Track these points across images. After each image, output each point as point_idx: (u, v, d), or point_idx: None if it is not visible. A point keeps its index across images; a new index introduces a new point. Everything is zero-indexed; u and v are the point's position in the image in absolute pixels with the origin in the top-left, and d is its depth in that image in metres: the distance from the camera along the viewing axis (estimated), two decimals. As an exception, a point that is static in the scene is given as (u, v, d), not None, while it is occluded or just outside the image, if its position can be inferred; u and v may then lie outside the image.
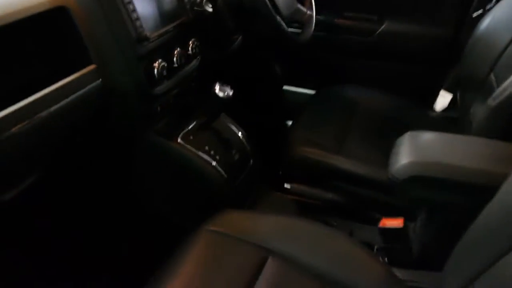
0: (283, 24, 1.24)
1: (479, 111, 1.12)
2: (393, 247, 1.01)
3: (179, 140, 1.15)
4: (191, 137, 1.17)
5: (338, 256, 0.92)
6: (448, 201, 0.90)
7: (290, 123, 1.85)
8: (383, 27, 1.66)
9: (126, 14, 0.94)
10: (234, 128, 1.30)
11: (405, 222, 0.98)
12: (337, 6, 1.70)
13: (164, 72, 1.04)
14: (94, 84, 0.92)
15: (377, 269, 0.90)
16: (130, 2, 0.95)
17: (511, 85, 0.91)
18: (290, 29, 1.31)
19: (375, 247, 1.09)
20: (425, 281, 0.96)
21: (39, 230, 1.25)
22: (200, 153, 1.16)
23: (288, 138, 1.35)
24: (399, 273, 0.94)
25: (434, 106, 1.62)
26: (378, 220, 1.06)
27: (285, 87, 1.91)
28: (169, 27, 1.07)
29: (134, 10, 0.96)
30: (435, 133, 1.01)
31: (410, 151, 0.92)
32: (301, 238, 0.95)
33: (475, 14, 1.40)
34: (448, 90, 1.59)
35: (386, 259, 1.04)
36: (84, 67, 0.90)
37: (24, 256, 1.24)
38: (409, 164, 0.89)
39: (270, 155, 1.38)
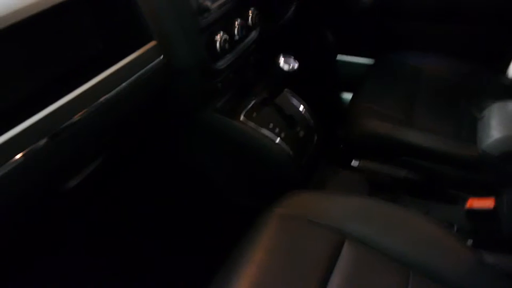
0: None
1: None
2: (481, 229, 0.93)
3: (241, 117, 1.09)
4: (254, 114, 1.11)
5: (420, 239, 0.86)
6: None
7: (345, 95, 1.77)
8: (449, -15, 1.52)
9: (185, -16, 0.88)
10: (297, 102, 1.23)
11: (496, 202, 0.89)
12: None
13: (226, 46, 0.98)
14: (156, 61, 0.86)
15: (465, 253, 0.84)
16: (190, -29, 0.88)
17: None
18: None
19: (455, 227, 1.01)
20: (518, 265, 0.88)
21: (102, 215, 1.24)
22: (264, 130, 1.10)
23: (351, 111, 1.27)
24: (488, 257, 0.86)
25: (508, 72, 1.49)
26: (458, 198, 0.98)
27: (339, 57, 1.81)
28: None
29: (194, -21, 0.89)
30: (529, 103, 0.91)
31: (503, 123, 0.83)
32: (378, 220, 0.89)
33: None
34: (525, 54, 1.46)
35: (471, 241, 0.96)
36: (145, 44, 0.84)
37: (93, 240, 1.24)
38: (504, 139, 0.80)
39: (330, 129, 1.31)
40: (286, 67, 1.04)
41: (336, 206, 0.92)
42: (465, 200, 0.94)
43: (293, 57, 1.07)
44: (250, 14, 1.09)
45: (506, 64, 1.49)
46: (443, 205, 1.11)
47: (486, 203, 0.89)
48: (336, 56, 1.77)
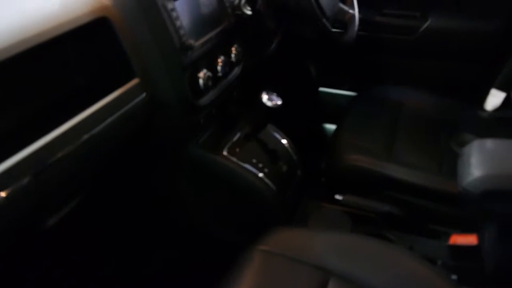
0: (328, 24, 1.17)
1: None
2: (464, 265, 0.93)
3: (224, 152, 1.09)
4: (237, 149, 1.11)
5: (406, 276, 0.85)
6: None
7: (327, 126, 1.79)
8: (427, 24, 1.56)
9: (169, 22, 0.88)
10: (279, 137, 1.23)
11: (479, 239, 0.90)
12: (377, 3, 1.62)
13: (209, 83, 0.98)
14: (139, 98, 0.86)
15: (449, 291, 0.83)
16: (174, 9, 0.89)
17: None
18: (334, 30, 1.24)
19: (439, 262, 1.01)
20: (501, 302, 0.88)
21: (81, 251, 1.21)
22: (247, 166, 1.09)
23: (333, 145, 1.27)
24: (471, 293, 0.87)
25: (484, 106, 1.53)
26: (441, 234, 0.98)
27: (321, 89, 1.83)
28: (212, 34, 1.01)
29: (178, 17, 0.90)
30: (507, 141, 0.92)
31: (483, 162, 0.84)
32: (362, 257, 0.88)
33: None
34: (500, 88, 1.49)
35: (455, 277, 0.95)
36: (128, 81, 0.84)
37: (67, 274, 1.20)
38: (484, 178, 0.81)
39: (314, 163, 1.31)
40: (269, 104, 1.05)
41: (319, 243, 0.91)
42: (448, 236, 0.94)
43: (275, 93, 1.08)
44: (234, 51, 1.10)
45: (484, 98, 1.53)
46: (427, 240, 1.11)
47: (469, 239, 0.90)
48: (318, 89, 1.80)
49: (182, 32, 0.90)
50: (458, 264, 0.93)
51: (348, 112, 1.43)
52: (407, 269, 0.87)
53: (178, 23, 0.90)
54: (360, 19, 1.54)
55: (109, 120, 0.80)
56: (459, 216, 1.02)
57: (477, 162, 0.84)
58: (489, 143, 0.92)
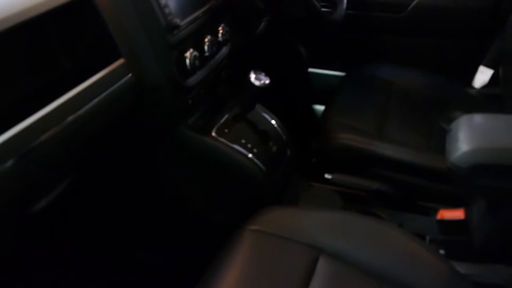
0: (316, 3, 1.16)
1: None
2: (452, 239, 0.94)
3: (213, 133, 1.08)
4: (226, 130, 1.10)
5: (394, 252, 0.87)
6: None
7: (317, 107, 1.78)
8: (416, 1, 1.55)
9: (154, 1, 0.87)
10: (268, 117, 1.23)
11: (466, 213, 0.91)
12: None
13: (197, 62, 0.97)
14: (124, 79, 0.85)
15: (438, 265, 0.84)
16: (158, -12, 0.88)
17: None
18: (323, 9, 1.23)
19: (427, 238, 1.02)
20: (489, 275, 0.90)
21: (71, 235, 1.21)
22: (236, 146, 1.09)
23: (324, 124, 1.27)
24: (460, 267, 0.88)
25: (473, 83, 1.53)
26: (429, 209, 0.99)
27: (311, 70, 1.82)
28: (198, 12, 1.00)
29: (163, -4, 0.88)
30: (494, 115, 0.92)
31: (471, 136, 0.84)
32: (352, 234, 0.90)
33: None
34: (488, 65, 1.50)
35: (443, 252, 0.97)
36: (113, 61, 0.83)
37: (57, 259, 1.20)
38: (472, 152, 0.81)
39: (304, 143, 1.31)
40: (257, 83, 1.04)
41: (310, 221, 0.92)
42: (436, 211, 0.95)
43: (264, 73, 1.07)
44: (221, 30, 1.08)
45: (473, 75, 1.53)
46: (416, 217, 1.13)
47: (456, 214, 0.91)
48: (308, 70, 1.79)
49: (167, 11, 0.89)
50: (446, 238, 0.94)
51: (338, 92, 1.43)
52: (396, 245, 0.88)
53: (163, 2, 0.88)
54: (349, -3, 1.54)
55: (95, 101, 0.79)
56: (447, 192, 1.03)
57: (465, 137, 0.85)
58: (477, 118, 0.92)
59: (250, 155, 1.09)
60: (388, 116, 1.30)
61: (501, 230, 0.91)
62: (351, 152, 1.18)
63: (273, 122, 1.22)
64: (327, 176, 1.21)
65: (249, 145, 1.10)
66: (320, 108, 1.75)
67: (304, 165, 1.30)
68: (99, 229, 1.23)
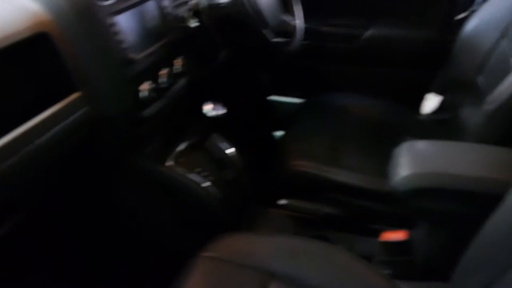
0: (271, 35, 1.22)
1: (472, 115, 1.12)
2: (396, 259, 0.99)
3: (169, 163, 1.11)
4: (182, 159, 1.14)
5: (342, 274, 0.91)
6: (452, 211, 0.89)
7: (278, 133, 1.84)
8: (369, 32, 1.65)
9: (110, 37, 0.90)
10: (225, 146, 1.27)
11: (408, 234, 0.96)
12: (323, 13, 1.69)
13: (153, 94, 1.01)
14: (80, 112, 0.88)
15: (383, 285, 0.88)
16: (114, 24, 0.91)
17: (508, 89, 0.90)
18: (277, 39, 1.29)
19: (375, 259, 1.07)
20: (431, 292, 0.95)
21: (26, 265, 1.20)
22: (192, 175, 1.12)
23: (280, 151, 1.32)
24: (403, 285, 0.92)
25: (422, 109, 1.62)
26: (379, 232, 1.04)
27: (272, 97, 1.89)
28: (155, 47, 1.04)
29: (119, 32, 0.92)
30: (434, 142, 1.00)
31: (411, 162, 0.91)
32: (302, 258, 0.93)
33: (459, 16, 1.40)
34: (436, 92, 1.59)
35: (389, 272, 1.01)
36: (69, 95, 0.86)
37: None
38: (411, 176, 0.88)
39: (261, 170, 1.35)
40: (212, 113, 1.08)
41: (262, 246, 0.95)
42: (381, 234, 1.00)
43: (221, 103, 1.11)
44: (179, 63, 1.13)
45: (421, 103, 1.63)
46: (365, 239, 1.18)
47: (398, 235, 0.96)
48: (268, 97, 1.85)
49: (123, 46, 0.93)
50: (391, 259, 0.99)
51: (295, 119, 1.49)
52: (344, 267, 0.92)
53: (119, 37, 0.92)
54: (306, 29, 1.61)
55: (50, 133, 0.81)
56: (393, 214, 1.09)
57: (405, 162, 0.91)
58: (418, 144, 0.99)
59: (206, 184, 1.12)
60: (342, 143, 1.35)
61: (440, 249, 0.97)
62: (306, 178, 1.23)
63: (230, 150, 1.27)
64: (281, 202, 1.25)
65: (205, 174, 1.13)
66: (280, 134, 1.80)
67: (263, 191, 1.34)
68: (55, 260, 1.22)
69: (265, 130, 1.81)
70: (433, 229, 0.99)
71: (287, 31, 1.40)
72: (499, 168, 0.85)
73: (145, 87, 0.99)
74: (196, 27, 1.17)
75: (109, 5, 0.92)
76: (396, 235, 0.96)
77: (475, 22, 1.28)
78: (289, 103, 1.84)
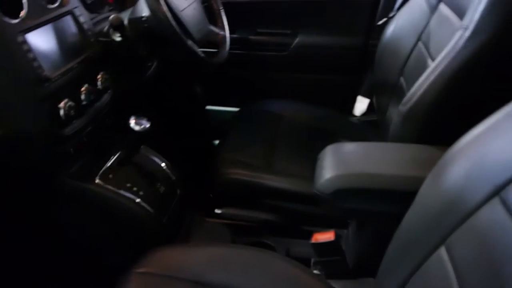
0: (195, 47, 1.22)
1: (393, 115, 1.17)
2: (328, 260, 1.01)
3: (97, 180, 1.09)
4: (111, 176, 1.11)
5: (276, 278, 0.91)
6: (374, 210, 0.92)
7: (215, 142, 1.84)
8: (296, 40, 1.69)
9: (20, 56, 0.88)
10: (156, 159, 1.25)
11: (336, 234, 0.99)
12: (251, 23, 1.71)
13: (72, 112, 0.98)
14: (-8, 133, 0.84)
15: (316, 285, 0.90)
16: (25, 42, 0.89)
17: (418, 91, 0.95)
18: (206, 50, 1.29)
19: (312, 261, 1.09)
20: (362, 288, 0.98)
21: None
22: (122, 192, 1.10)
23: (215, 160, 1.32)
24: (336, 284, 0.94)
25: (354, 112, 1.68)
26: (311, 234, 1.06)
27: (208, 107, 1.89)
28: (73, 63, 1.01)
29: (30, 50, 0.89)
30: (355, 143, 1.03)
31: (332, 164, 0.93)
32: (236, 266, 0.93)
33: (380, 22, 1.47)
34: (365, 95, 1.66)
35: (323, 272, 1.04)
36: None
37: None
38: (333, 178, 0.90)
39: (199, 180, 1.35)
40: (137, 128, 1.07)
41: (195, 257, 0.95)
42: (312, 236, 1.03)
43: (146, 117, 1.10)
44: (100, 78, 1.11)
45: (353, 105, 1.69)
46: (301, 242, 1.20)
47: (327, 236, 0.98)
48: (204, 107, 1.85)
49: (36, 64, 0.90)
50: (324, 259, 1.02)
51: (230, 128, 1.50)
52: (278, 272, 0.92)
53: (30, 55, 0.89)
54: (236, 39, 1.64)
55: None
56: (324, 216, 1.12)
57: (328, 165, 0.93)
58: (341, 147, 1.02)
59: (137, 199, 1.10)
60: (276, 148, 1.38)
61: (368, 247, 1.00)
62: (241, 186, 1.24)
63: (161, 163, 1.25)
64: (217, 210, 1.25)
65: (135, 189, 1.11)
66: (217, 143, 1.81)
67: (200, 201, 1.34)
68: None
69: (202, 140, 1.81)
70: (360, 228, 1.02)
71: (215, 42, 1.41)
72: (414, 165, 0.89)
73: (63, 105, 0.96)
74: (119, 42, 1.15)
75: (18, 22, 0.89)
76: (324, 236, 0.99)
77: (393, 28, 1.34)
78: (225, 111, 1.86)
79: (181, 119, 1.69)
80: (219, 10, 1.44)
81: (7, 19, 0.87)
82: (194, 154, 1.65)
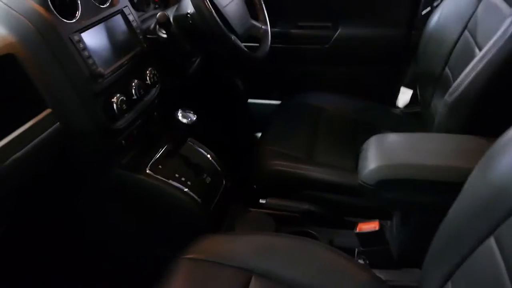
0: (239, 42, 1.25)
1: (439, 106, 1.15)
2: (372, 249, 1.02)
3: (147, 171, 1.13)
4: (160, 166, 1.16)
5: (321, 267, 0.93)
6: (419, 201, 0.92)
7: (257, 134, 1.87)
8: (338, 33, 1.69)
9: (77, 54, 0.93)
10: (203, 151, 1.29)
11: (381, 224, 0.99)
12: (292, 16, 1.72)
13: (124, 106, 1.04)
14: (52, 128, 0.90)
15: (360, 274, 0.91)
16: (80, 41, 0.94)
17: (464, 80, 0.94)
18: (247, 44, 1.32)
19: (356, 251, 1.10)
20: (406, 279, 0.98)
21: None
22: (171, 181, 1.14)
23: (257, 152, 1.35)
24: (381, 274, 0.95)
25: (396, 103, 1.66)
26: (356, 224, 1.07)
27: (250, 100, 1.92)
28: (123, 60, 1.07)
29: (85, 48, 0.95)
30: (399, 134, 1.03)
31: (377, 155, 0.94)
32: (281, 254, 0.96)
33: (424, 12, 1.45)
34: (408, 86, 1.63)
35: (367, 262, 1.04)
36: (39, 112, 0.88)
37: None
38: (377, 169, 0.90)
39: (243, 171, 1.38)
40: (184, 121, 1.11)
41: (242, 245, 0.98)
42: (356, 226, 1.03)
43: (192, 110, 1.14)
44: (148, 74, 1.15)
45: (396, 97, 1.67)
46: (344, 232, 1.21)
47: (371, 225, 0.99)
48: (247, 101, 1.89)
49: (90, 61, 0.96)
50: (367, 249, 1.02)
51: (272, 121, 1.52)
52: (321, 260, 0.94)
53: (86, 53, 0.95)
54: (277, 33, 1.65)
55: (23, 151, 0.83)
56: (367, 206, 1.12)
57: (372, 155, 0.94)
58: (385, 138, 1.02)
59: (185, 189, 1.15)
60: (317, 141, 1.39)
61: (413, 238, 1.00)
62: (283, 177, 1.26)
63: (207, 155, 1.29)
64: (261, 201, 1.28)
65: (183, 179, 1.16)
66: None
67: (244, 192, 1.37)
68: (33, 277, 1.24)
69: (244, 132, 1.84)
70: (404, 218, 1.02)
71: (257, 36, 1.44)
72: (460, 156, 0.88)
73: (115, 100, 1.02)
74: (165, 38, 1.20)
75: (74, 22, 0.95)
76: (369, 226, 0.99)
77: (438, 17, 1.31)
78: (267, 104, 1.88)
79: (224, 112, 1.73)
80: (261, 4, 1.46)
81: (63, 20, 0.93)
82: (237, 147, 1.69)
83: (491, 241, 0.61)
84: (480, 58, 0.93)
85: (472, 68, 0.94)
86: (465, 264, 0.67)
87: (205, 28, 1.16)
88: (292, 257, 0.95)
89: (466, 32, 1.19)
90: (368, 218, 1.11)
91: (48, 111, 0.90)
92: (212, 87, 1.70)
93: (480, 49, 1.06)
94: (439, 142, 0.96)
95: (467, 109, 0.96)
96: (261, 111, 1.88)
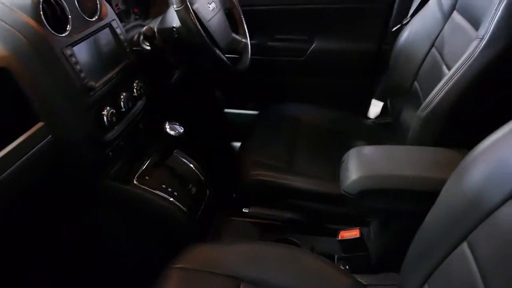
0: (222, 55, 1.29)
1: (410, 119, 1.23)
2: (353, 255, 1.08)
3: (134, 182, 1.16)
4: (147, 177, 1.18)
5: (305, 273, 0.97)
6: (398, 209, 0.98)
7: (235, 144, 1.91)
8: (313, 46, 1.76)
9: (69, 67, 0.94)
10: (187, 162, 1.32)
11: (361, 231, 1.05)
12: (269, 29, 1.78)
13: (114, 118, 1.05)
14: (44, 141, 0.91)
15: (343, 279, 0.97)
16: (72, 55, 0.95)
17: (435, 97, 1.01)
18: (228, 56, 1.35)
19: (336, 257, 1.16)
20: (385, 283, 1.03)
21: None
22: (158, 192, 1.17)
23: (239, 162, 1.39)
24: (362, 279, 1.00)
25: (368, 114, 1.74)
26: (336, 231, 1.12)
27: (227, 110, 1.96)
28: (112, 73, 1.08)
29: (77, 62, 0.96)
30: (377, 147, 1.10)
31: (358, 166, 0.99)
32: (268, 262, 0.99)
33: (394, 29, 1.53)
34: (379, 99, 1.72)
35: (347, 267, 1.10)
36: (32, 125, 0.89)
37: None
38: (359, 179, 0.96)
39: (223, 181, 1.42)
40: (172, 133, 1.14)
41: (230, 254, 1.01)
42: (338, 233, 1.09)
43: (178, 123, 1.17)
44: (135, 86, 1.17)
45: (367, 108, 1.75)
46: (325, 239, 1.26)
47: (352, 233, 1.05)
48: (223, 110, 1.92)
49: (82, 75, 0.97)
50: (348, 255, 1.08)
51: (250, 131, 1.56)
52: (306, 267, 0.99)
53: (78, 67, 0.96)
54: (255, 45, 1.70)
55: (16, 165, 0.84)
56: (347, 214, 1.18)
57: (353, 167, 1.00)
58: (364, 149, 1.09)
59: (171, 199, 1.17)
60: (296, 150, 1.44)
61: (391, 243, 1.07)
62: (265, 187, 1.30)
63: (192, 165, 1.32)
64: (244, 210, 1.32)
65: (169, 189, 1.18)
66: (237, 145, 1.87)
67: (225, 201, 1.40)
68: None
69: (223, 142, 1.88)
70: (383, 226, 1.08)
71: (237, 50, 1.48)
72: (436, 167, 0.95)
73: (106, 112, 1.03)
74: (148, 50, 1.22)
75: (65, 36, 0.96)
76: (350, 233, 1.05)
77: (407, 34, 1.39)
78: (244, 114, 1.92)
79: (202, 122, 1.76)
80: (241, 18, 1.51)
81: (55, 34, 0.94)
82: (217, 156, 1.72)
83: (464, 246, 0.66)
84: (449, 77, 1.00)
85: (442, 86, 1.01)
86: (441, 268, 0.72)
87: (191, 42, 1.20)
88: (278, 264, 0.99)
89: (433, 49, 1.27)
90: (347, 225, 1.17)
91: (40, 124, 0.91)
92: (192, 98, 1.72)
93: (447, 67, 1.14)
94: (416, 154, 1.03)
95: (439, 124, 1.03)
96: (238, 120, 1.92)
